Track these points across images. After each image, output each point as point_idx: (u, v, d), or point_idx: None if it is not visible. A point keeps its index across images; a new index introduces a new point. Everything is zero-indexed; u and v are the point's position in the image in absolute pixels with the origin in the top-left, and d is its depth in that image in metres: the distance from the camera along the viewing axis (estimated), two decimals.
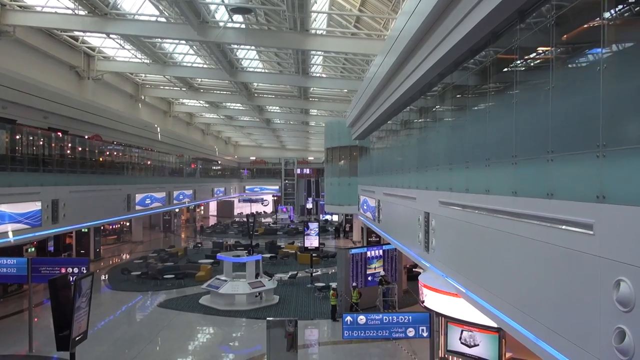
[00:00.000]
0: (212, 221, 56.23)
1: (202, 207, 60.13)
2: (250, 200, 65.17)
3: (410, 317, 7.84)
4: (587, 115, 4.73)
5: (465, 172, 8.09)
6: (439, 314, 8.38)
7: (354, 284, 17.04)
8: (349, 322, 7.77)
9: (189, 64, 32.13)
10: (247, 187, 66.80)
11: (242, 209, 63.05)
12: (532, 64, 6.30)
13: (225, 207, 63.43)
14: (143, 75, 36.11)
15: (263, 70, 33.70)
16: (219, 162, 58.94)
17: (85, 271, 13.02)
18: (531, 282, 5.49)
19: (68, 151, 20.72)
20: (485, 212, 6.97)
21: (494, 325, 8.89)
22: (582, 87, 5.07)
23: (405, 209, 13.15)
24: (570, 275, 4.66)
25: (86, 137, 24.17)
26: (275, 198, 68.65)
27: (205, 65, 31.69)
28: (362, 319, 7.69)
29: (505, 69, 6.93)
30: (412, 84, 11.29)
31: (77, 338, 8.39)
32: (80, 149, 21.76)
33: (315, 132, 56.07)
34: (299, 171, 68.10)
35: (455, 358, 9.11)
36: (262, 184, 67.47)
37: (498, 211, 6.43)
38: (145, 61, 29.91)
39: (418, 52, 10.20)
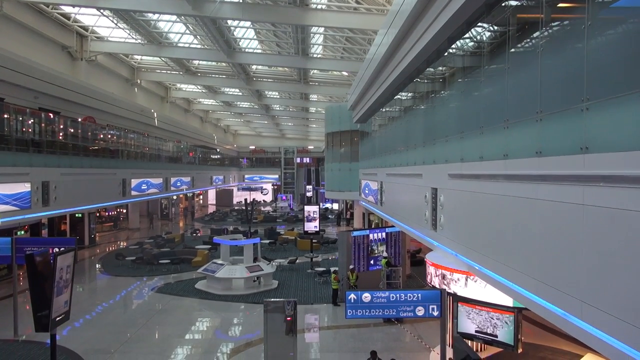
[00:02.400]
0: (211, 210, 55.59)
1: (200, 196, 59.49)
2: (250, 189, 64.61)
3: (419, 295, 7.20)
4: (633, 52, 4.07)
5: (479, 139, 7.47)
6: (448, 294, 7.77)
7: (352, 266, 16.47)
8: (352, 300, 7.14)
9: (186, 45, 31.23)
10: (246, 175, 66.24)
11: (241, 197, 62.49)
12: (561, 4, 5.58)
13: (225, 196, 62.99)
14: (139, 57, 35.23)
15: (261, 51, 32.80)
16: (218, 150, 58.21)
17: None
18: (560, 252, 4.87)
19: (60, 133, 20.02)
20: (502, 179, 6.41)
21: (510, 305, 8.31)
22: (627, 21, 4.37)
23: (410, 187, 12.54)
24: (612, 239, 4.03)
25: (79, 119, 23.43)
26: (275, 187, 68.06)
27: (201, 46, 30.80)
28: (366, 296, 7.06)
29: (529, 16, 6.21)
30: (418, 52, 10.57)
31: (58, 318, 7.75)
32: (72, 130, 21.03)
33: (315, 120, 55.36)
34: (298, 160, 67.38)
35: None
36: (262, 173, 66.91)
37: (518, 176, 5.85)
38: (140, 41, 29.00)
39: (427, 14, 9.44)
